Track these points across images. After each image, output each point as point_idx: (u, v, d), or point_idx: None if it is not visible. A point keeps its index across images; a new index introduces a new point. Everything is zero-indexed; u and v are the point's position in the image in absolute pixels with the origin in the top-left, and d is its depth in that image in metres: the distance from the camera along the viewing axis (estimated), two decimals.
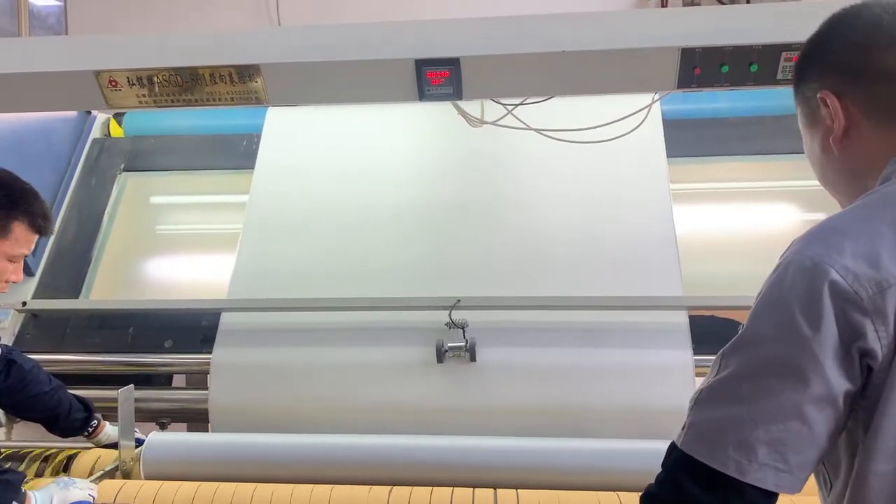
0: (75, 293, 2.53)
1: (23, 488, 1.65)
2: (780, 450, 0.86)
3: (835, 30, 1.04)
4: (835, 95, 1.01)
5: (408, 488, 1.76)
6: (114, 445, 2.04)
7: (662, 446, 0.96)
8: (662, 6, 7.33)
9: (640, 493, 0.96)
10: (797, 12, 1.70)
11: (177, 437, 2.04)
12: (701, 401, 0.93)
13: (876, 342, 0.84)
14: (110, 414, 2.48)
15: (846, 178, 1.05)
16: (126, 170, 2.80)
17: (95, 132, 2.88)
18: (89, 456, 2.03)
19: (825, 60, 1.04)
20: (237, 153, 2.76)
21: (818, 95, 1.02)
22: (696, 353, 2.12)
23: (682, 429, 0.93)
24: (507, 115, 2.22)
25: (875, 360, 0.85)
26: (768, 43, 1.71)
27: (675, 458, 0.92)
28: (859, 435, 0.89)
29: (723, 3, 7.03)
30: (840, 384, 0.85)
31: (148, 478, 1.91)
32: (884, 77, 0.97)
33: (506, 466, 1.87)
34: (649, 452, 1.56)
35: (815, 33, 1.07)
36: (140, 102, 1.95)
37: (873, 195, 0.96)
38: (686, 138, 2.59)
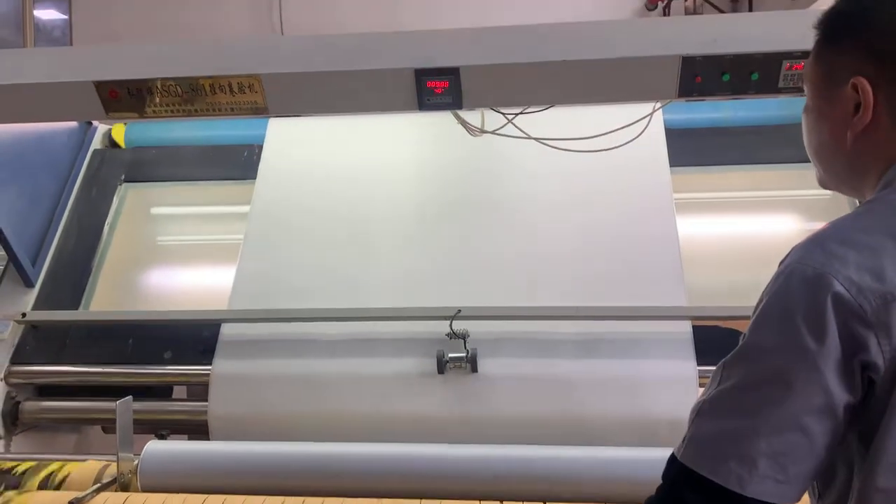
0: (75, 304, 2.52)
1: None
2: (781, 461, 0.85)
3: (890, 2, 0.94)
4: (870, 85, 0.93)
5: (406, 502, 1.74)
6: None
7: (663, 454, 0.94)
8: (665, 15, 7.35)
9: None
10: (798, 21, 1.69)
11: (175, 447, 2.02)
12: (702, 412, 0.92)
13: (879, 356, 0.83)
14: (109, 426, 2.48)
15: (845, 165, 1.01)
16: (127, 180, 2.79)
17: (96, 143, 2.87)
18: (87, 468, 2.02)
19: (869, 41, 0.94)
20: (238, 164, 2.75)
21: (851, 80, 0.95)
22: (699, 363, 2.10)
23: (683, 441, 0.92)
24: (507, 124, 2.22)
25: (877, 374, 0.83)
26: (769, 51, 1.70)
27: (676, 471, 0.91)
28: (855, 446, 0.87)
29: (722, 12, 7.07)
30: (841, 396, 0.84)
31: (145, 489, 1.89)
32: None
33: (505, 474, 1.85)
34: (650, 461, 1.54)
35: None
36: (140, 113, 1.95)
37: (875, 203, 0.94)
38: (689, 147, 2.57)
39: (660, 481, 0.94)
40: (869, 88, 0.93)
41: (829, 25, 1.00)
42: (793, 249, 0.91)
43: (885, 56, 0.93)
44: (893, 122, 0.94)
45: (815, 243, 0.89)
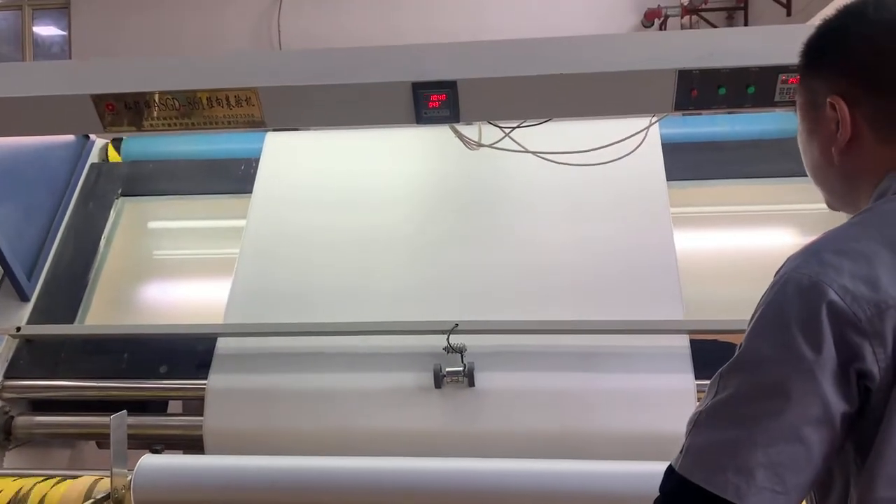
0: (70, 318, 2.51)
1: None
2: (779, 472, 0.84)
3: (856, 23, 0.98)
4: (845, 103, 0.96)
5: None
6: None
7: (660, 468, 0.94)
8: (661, 29, 7.42)
9: None
10: (794, 35, 1.70)
11: (169, 461, 2.00)
12: (700, 423, 0.91)
13: (874, 364, 0.83)
14: (104, 441, 2.46)
15: (840, 181, 1.03)
16: (124, 194, 2.79)
17: (93, 157, 2.87)
18: (80, 484, 2.00)
19: (843, 61, 0.98)
20: (235, 177, 2.75)
21: (828, 100, 0.98)
22: (697, 377, 2.09)
23: (680, 452, 0.91)
24: (504, 137, 2.22)
25: (873, 382, 0.83)
26: (765, 65, 1.71)
27: (674, 483, 0.90)
28: (852, 455, 0.87)
29: (715, 27, 7.13)
30: (838, 406, 0.84)
31: None
32: None
33: (503, 488, 1.84)
34: (647, 474, 1.53)
35: (833, 20, 1.01)
36: (138, 127, 1.95)
37: (869, 213, 0.94)
38: (686, 161, 2.58)
39: (657, 494, 0.93)
40: (845, 106, 0.96)
41: (809, 52, 1.04)
42: (788, 259, 0.92)
43: (858, 73, 0.96)
44: (876, 136, 0.96)
45: (810, 253, 0.90)
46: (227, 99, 1.88)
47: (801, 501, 0.88)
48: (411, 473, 1.89)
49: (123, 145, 2.92)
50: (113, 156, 2.91)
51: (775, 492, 0.84)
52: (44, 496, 1.99)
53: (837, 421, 0.84)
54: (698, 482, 0.87)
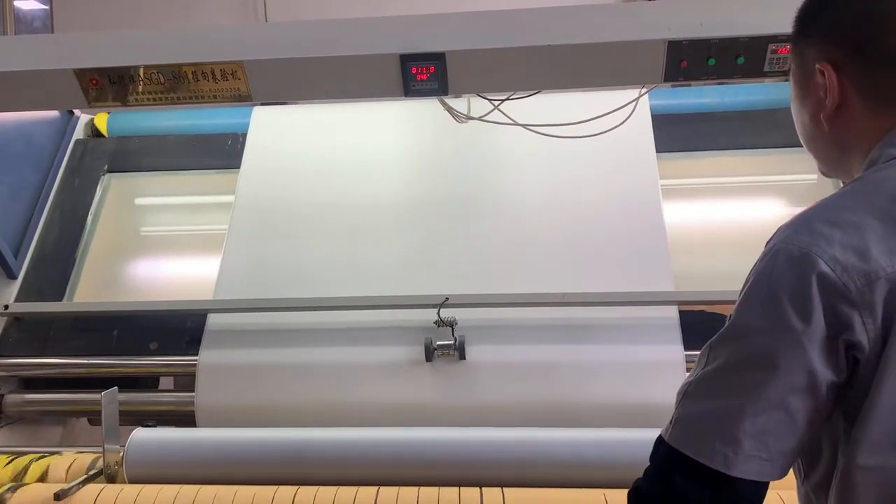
0: (59, 296, 2.50)
1: None
2: (764, 439, 0.85)
3: None
4: (833, 69, 0.96)
5: (395, 489, 1.74)
6: None
7: (650, 436, 0.95)
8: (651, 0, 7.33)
9: (628, 489, 0.95)
10: (784, 4, 1.69)
11: (161, 435, 2.00)
12: (689, 394, 0.92)
13: (863, 334, 0.83)
14: (95, 417, 2.46)
15: (831, 149, 1.03)
16: (110, 171, 2.76)
17: (79, 132, 2.84)
18: (71, 460, 2.00)
19: (831, 26, 0.98)
20: (222, 153, 2.73)
21: (817, 66, 0.98)
22: (686, 348, 2.11)
23: (670, 422, 0.92)
24: (493, 110, 2.21)
25: (861, 352, 0.84)
26: (755, 35, 1.70)
27: (664, 453, 0.91)
28: (841, 425, 0.88)
29: None
30: (825, 375, 0.84)
31: (132, 480, 1.88)
32: (890, 61, 0.93)
33: (494, 458, 1.86)
34: (637, 442, 1.54)
35: None
36: (122, 102, 1.92)
37: (860, 182, 0.94)
38: (675, 133, 2.58)
39: (647, 463, 0.94)
40: (833, 73, 0.96)
41: (802, 18, 1.04)
42: (779, 229, 0.91)
43: (847, 40, 0.96)
44: (866, 104, 0.96)
45: (800, 223, 0.89)
46: (213, 73, 1.85)
47: (787, 467, 0.88)
48: (403, 444, 1.91)
49: (108, 121, 2.88)
50: (101, 122, 2.87)
51: (761, 458, 0.85)
52: (43, 472, 1.98)
53: (823, 390, 0.85)
54: (687, 452, 0.88)
